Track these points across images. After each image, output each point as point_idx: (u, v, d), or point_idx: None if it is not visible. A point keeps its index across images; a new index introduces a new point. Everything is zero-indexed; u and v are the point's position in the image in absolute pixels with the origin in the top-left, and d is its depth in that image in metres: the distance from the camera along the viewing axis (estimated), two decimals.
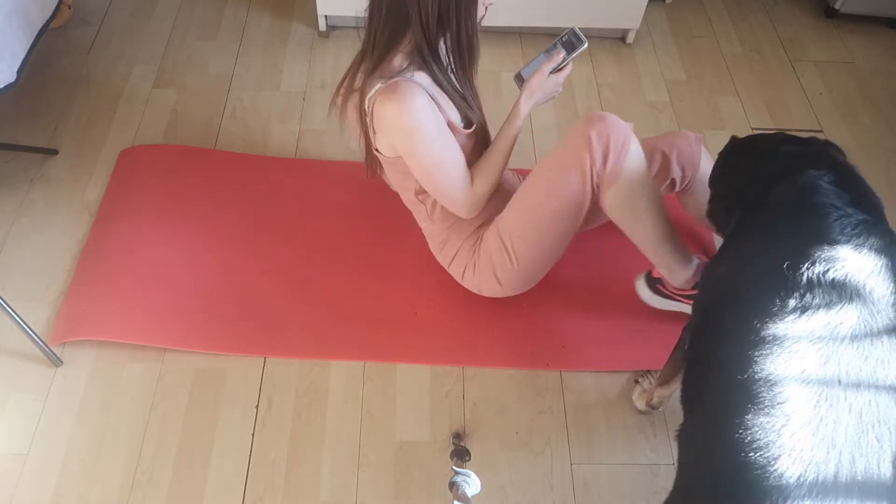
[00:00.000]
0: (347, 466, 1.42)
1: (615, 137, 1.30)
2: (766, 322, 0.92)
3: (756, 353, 0.90)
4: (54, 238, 1.71)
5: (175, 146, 1.92)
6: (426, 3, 1.20)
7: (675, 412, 1.51)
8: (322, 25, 2.21)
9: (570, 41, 1.37)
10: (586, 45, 1.35)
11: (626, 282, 1.69)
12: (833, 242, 0.94)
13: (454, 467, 1.25)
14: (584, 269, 1.70)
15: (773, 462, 0.81)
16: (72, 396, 1.48)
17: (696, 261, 1.47)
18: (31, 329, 1.46)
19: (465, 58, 1.33)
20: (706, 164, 1.51)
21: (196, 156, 1.89)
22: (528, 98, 1.39)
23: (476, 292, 1.57)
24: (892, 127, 2.12)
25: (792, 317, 0.91)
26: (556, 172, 1.37)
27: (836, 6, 2.35)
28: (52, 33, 2.14)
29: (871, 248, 0.94)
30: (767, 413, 0.85)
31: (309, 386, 1.52)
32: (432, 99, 1.30)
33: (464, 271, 1.54)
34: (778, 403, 0.85)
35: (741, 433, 0.85)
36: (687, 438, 1.01)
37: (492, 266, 1.48)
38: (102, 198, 1.79)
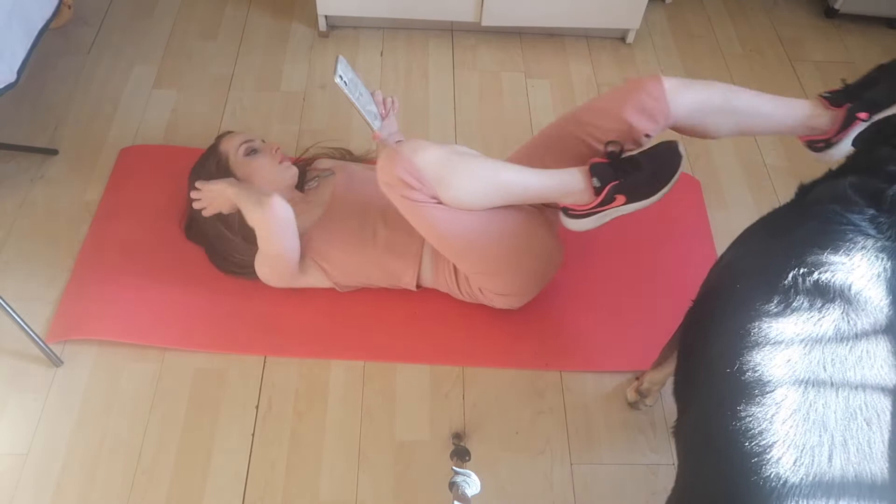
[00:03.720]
0: (347, 466, 1.42)
1: (405, 167, 1.29)
2: (755, 315, 0.94)
3: (742, 345, 0.92)
4: (54, 238, 1.71)
5: (175, 147, 1.92)
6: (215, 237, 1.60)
7: (674, 413, 1.50)
8: (322, 25, 2.21)
9: None
10: None
11: (626, 282, 1.69)
12: (827, 248, 0.95)
13: (454, 467, 1.25)
14: (584, 270, 1.70)
15: (768, 450, 0.83)
16: (72, 396, 1.48)
17: (577, 172, 1.37)
18: (31, 329, 1.46)
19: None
20: (680, 103, 1.38)
21: (196, 156, 1.89)
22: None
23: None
24: None
25: (778, 311, 0.93)
26: (417, 219, 1.38)
27: (836, 6, 2.35)
28: (52, 33, 2.14)
29: (867, 256, 0.94)
30: (758, 403, 0.87)
31: (309, 386, 1.52)
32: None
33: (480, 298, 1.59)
34: (767, 392, 0.87)
35: (735, 424, 0.87)
36: (684, 433, 1.03)
37: (495, 301, 1.56)
38: (102, 196, 1.79)
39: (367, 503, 1.38)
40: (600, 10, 2.13)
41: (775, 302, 0.93)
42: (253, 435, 1.46)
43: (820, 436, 0.83)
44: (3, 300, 1.41)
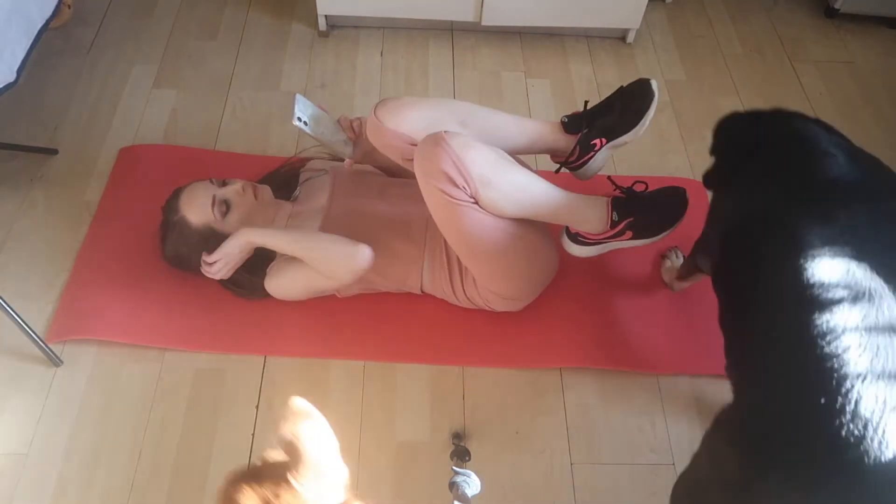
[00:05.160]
0: (347, 466, 1.42)
1: (453, 161, 1.25)
2: (814, 238, 1.01)
3: (806, 264, 0.99)
4: (54, 238, 1.71)
5: (175, 146, 1.92)
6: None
7: (674, 413, 1.51)
8: (322, 25, 2.21)
9: None
10: None
11: (627, 282, 1.69)
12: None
13: (454, 467, 1.25)
14: (584, 270, 1.70)
15: (846, 351, 0.91)
16: (72, 396, 1.48)
17: (602, 202, 1.41)
18: (31, 329, 1.46)
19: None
20: (401, 122, 1.34)
21: (196, 156, 1.89)
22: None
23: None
24: (892, 127, 2.12)
25: (837, 228, 1.01)
26: (446, 214, 1.34)
27: (836, 6, 2.35)
28: (52, 33, 2.14)
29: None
30: (830, 311, 0.94)
31: (309, 386, 1.52)
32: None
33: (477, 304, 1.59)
34: (835, 303, 0.95)
35: (812, 330, 0.94)
36: (746, 355, 1.07)
37: (494, 304, 1.56)
38: (101, 196, 1.79)
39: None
40: (600, 10, 2.13)
41: (823, 218, 1.02)
42: (253, 435, 1.46)
43: (890, 336, 0.91)
44: (3, 300, 1.41)
